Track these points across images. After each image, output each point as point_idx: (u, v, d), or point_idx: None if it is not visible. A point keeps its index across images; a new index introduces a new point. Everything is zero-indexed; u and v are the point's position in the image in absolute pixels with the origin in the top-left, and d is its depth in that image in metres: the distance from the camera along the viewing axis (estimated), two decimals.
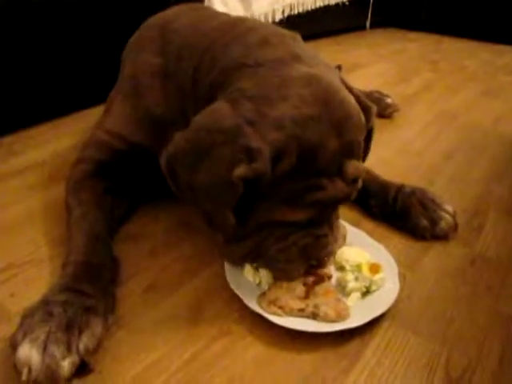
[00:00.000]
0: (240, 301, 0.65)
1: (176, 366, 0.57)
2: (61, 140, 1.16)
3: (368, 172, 0.91)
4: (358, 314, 0.63)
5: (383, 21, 2.87)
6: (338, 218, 0.69)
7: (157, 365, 0.57)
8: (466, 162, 1.15)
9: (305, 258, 0.64)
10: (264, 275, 0.67)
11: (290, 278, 0.66)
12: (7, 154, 1.09)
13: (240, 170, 0.52)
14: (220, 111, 0.56)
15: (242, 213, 0.58)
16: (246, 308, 0.64)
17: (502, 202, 0.97)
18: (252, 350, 0.60)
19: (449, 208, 0.83)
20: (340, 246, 0.74)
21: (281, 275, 0.66)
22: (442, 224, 0.82)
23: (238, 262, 0.69)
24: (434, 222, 0.82)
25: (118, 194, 0.82)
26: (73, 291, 0.59)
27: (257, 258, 0.65)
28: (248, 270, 0.69)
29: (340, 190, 0.58)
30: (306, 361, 0.59)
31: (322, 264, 0.66)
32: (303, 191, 0.57)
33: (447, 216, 0.82)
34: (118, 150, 0.80)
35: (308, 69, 0.60)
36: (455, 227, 0.83)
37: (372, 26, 2.81)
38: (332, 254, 0.67)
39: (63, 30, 1.20)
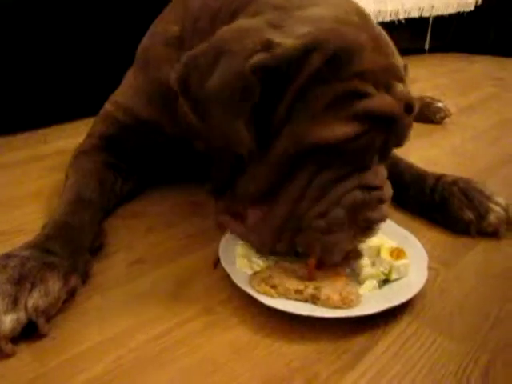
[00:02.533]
0: (232, 281, 0.55)
1: (141, 340, 0.48)
2: None
3: (402, 160, 0.80)
4: (371, 303, 0.51)
5: (444, 46, 2.74)
6: (386, 175, 0.54)
7: (121, 337, 0.49)
8: None
9: (353, 223, 0.51)
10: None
11: (334, 259, 0.53)
12: (38, 142, 1.13)
13: (255, 59, 0.44)
14: (240, 22, 0.50)
15: (264, 139, 0.48)
16: (237, 289, 0.54)
17: None
18: (233, 333, 0.49)
19: (500, 200, 0.70)
20: None
21: (325, 256, 0.52)
22: (491, 217, 0.68)
23: (269, 242, 0.54)
24: (480, 214, 0.69)
25: (123, 170, 0.77)
26: (39, 248, 0.53)
27: (294, 234, 0.52)
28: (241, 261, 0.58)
29: (389, 105, 0.48)
30: (295, 352, 0.47)
31: (371, 233, 0.53)
32: (343, 96, 0.47)
33: (498, 208, 0.69)
34: (124, 124, 0.76)
35: None
36: (508, 223, 0.69)
37: (432, 51, 2.68)
38: (385, 218, 0.53)
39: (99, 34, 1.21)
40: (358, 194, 0.51)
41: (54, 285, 0.49)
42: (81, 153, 0.77)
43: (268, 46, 0.45)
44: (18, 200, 0.81)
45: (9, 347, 0.45)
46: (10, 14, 1.06)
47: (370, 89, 0.47)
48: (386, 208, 0.53)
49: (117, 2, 1.22)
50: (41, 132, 1.18)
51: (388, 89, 0.49)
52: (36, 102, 1.19)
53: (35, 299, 0.47)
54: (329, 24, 0.47)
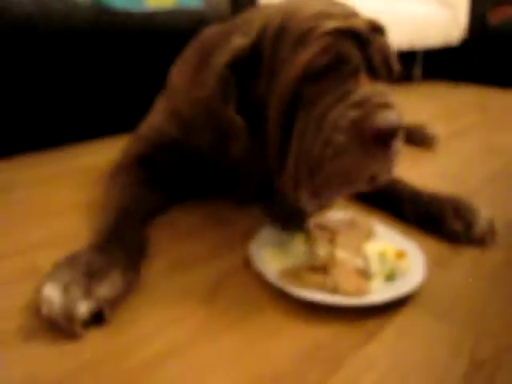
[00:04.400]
0: (260, 279, 0.65)
1: (190, 326, 0.58)
2: (117, 151, 1.25)
3: (400, 180, 0.91)
4: (380, 294, 0.61)
5: (432, 74, 2.91)
6: (385, 90, 0.57)
7: (171, 324, 0.58)
8: (509, 185, 1.12)
9: (360, 140, 0.52)
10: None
11: (354, 181, 0.55)
12: (65, 159, 1.22)
13: (225, 57, 0.61)
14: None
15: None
16: (265, 285, 0.64)
17: None
18: (267, 320, 0.59)
19: (484, 213, 0.81)
20: (367, 240, 0.74)
21: (345, 182, 0.56)
22: (478, 228, 0.79)
23: (297, 193, 0.60)
24: (468, 225, 0.80)
25: (155, 186, 0.87)
26: (100, 249, 0.62)
27: (311, 173, 0.56)
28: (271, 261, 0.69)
29: (348, 22, 0.57)
30: (320, 332, 0.57)
31: (385, 142, 0.52)
32: (305, 33, 0.58)
33: (482, 220, 0.80)
34: (157, 143, 0.87)
35: None
36: (492, 233, 0.80)
37: (421, 79, 2.85)
38: (397, 124, 0.52)
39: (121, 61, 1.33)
40: (352, 112, 0.53)
41: (118, 280, 0.59)
42: (118, 169, 0.87)
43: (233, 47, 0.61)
44: (59, 212, 0.90)
45: (80, 330, 0.54)
46: (39, 38, 1.16)
47: (327, 20, 0.58)
48: (394, 112, 0.52)
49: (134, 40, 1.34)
50: (66, 150, 1.28)
51: (345, 19, 0.58)
52: (62, 121, 1.29)
53: (104, 291, 0.56)
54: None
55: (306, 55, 0.56)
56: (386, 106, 0.53)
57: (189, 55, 0.90)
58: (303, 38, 0.58)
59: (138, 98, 1.36)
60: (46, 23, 1.09)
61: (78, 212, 0.89)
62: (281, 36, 0.60)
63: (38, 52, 1.13)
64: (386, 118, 0.52)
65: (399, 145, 0.56)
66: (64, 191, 1.00)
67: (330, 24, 0.57)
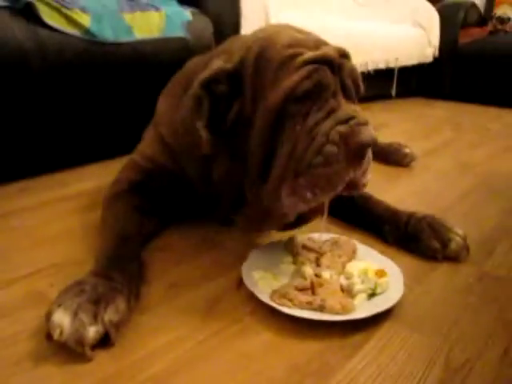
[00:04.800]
0: (254, 298, 0.71)
1: (190, 344, 0.63)
2: (105, 177, 1.29)
3: (381, 202, 0.98)
4: (363, 310, 0.67)
5: (408, 91, 3.03)
6: (358, 110, 0.67)
7: (173, 343, 0.63)
8: (481, 201, 1.20)
9: (346, 151, 0.62)
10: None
11: (335, 186, 0.64)
12: (58, 185, 1.25)
13: (201, 77, 0.68)
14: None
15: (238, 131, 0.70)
16: (259, 304, 0.70)
17: None
18: (262, 336, 0.65)
19: (459, 231, 0.88)
20: (349, 260, 0.80)
21: (326, 187, 0.64)
22: (453, 245, 0.86)
23: (278, 191, 0.67)
24: (444, 243, 0.86)
25: (147, 211, 0.92)
26: (103, 276, 0.67)
27: (297, 175, 0.65)
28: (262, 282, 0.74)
29: (322, 52, 0.67)
30: (310, 346, 0.63)
31: (364, 154, 0.63)
32: (284, 61, 0.67)
33: (457, 238, 0.86)
34: (148, 170, 0.92)
35: None
36: (466, 249, 0.87)
37: (398, 96, 2.97)
38: (374, 139, 0.63)
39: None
40: (341, 128, 0.63)
41: (122, 304, 0.63)
42: (113, 196, 0.92)
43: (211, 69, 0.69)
44: (54, 238, 0.93)
45: (90, 353, 0.59)
46: (34, 72, 1.20)
47: (303, 49, 0.67)
48: (371, 129, 0.63)
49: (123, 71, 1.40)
50: (58, 176, 1.31)
51: (317, 48, 0.68)
52: (53, 148, 1.32)
53: (110, 315, 0.61)
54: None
55: (289, 82, 0.65)
56: (366, 123, 0.64)
57: (172, 86, 0.96)
58: (284, 65, 0.67)
59: (127, 125, 1.42)
60: (40, 58, 1.13)
61: (74, 237, 0.93)
62: (261, 63, 0.68)
63: (31, 85, 1.17)
64: (369, 134, 0.63)
65: (370, 155, 0.68)
66: (58, 217, 1.04)
67: (308, 54, 0.66)
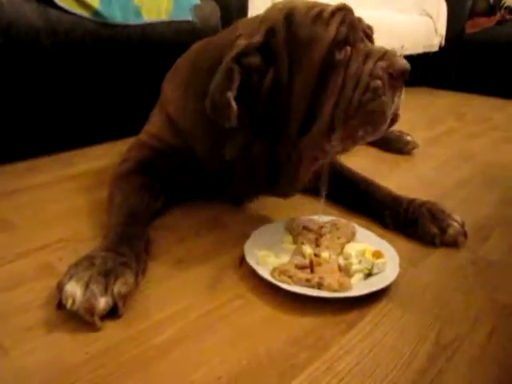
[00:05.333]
0: (255, 275, 0.74)
1: (194, 316, 0.66)
2: (111, 157, 1.32)
3: (382, 187, 1.01)
4: (359, 289, 0.70)
5: (413, 80, 3.02)
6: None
7: (177, 315, 0.66)
8: (479, 189, 1.22)
9: (389, 82, 0.70)
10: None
11: (385, 119, 0.71)
12: (64, 164, 1.28)
13: (233, 52, 0.71)
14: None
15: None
16: (260, 281, 0.73)
17: (509, 221, 1.03)
18: (261, 310, 0.68)
19: (457, 217, 0.90)
20: (348, 241, 0.83)
21: (378, 121, 0.71)
22: (451, 231, 0.88)
23: (323, 141, 0.74)
24: (443, 229, 0.89)
25: (155, 189, 0.95)
26: (112, 251, 0.70)
27: (347, 118, 0.71)
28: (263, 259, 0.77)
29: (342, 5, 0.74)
30: (308, 321, 0.66)
31: (404, 80, 0.72)
32: (316, 15, 0.73)
33: (455, 224, 0.89)
34: (156, 149, 0.95)
35: None
36: (464, 235, 0.89)
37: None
38: (408, 65, 0.71)
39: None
40: (381, 63, 0.70)
41: (130, 278, 0.66)
42: (120, 175, 0.94)
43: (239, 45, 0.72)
44: (63, 215, 0.97)
45: (99, 322, 0.62)
46: (44, 51, 1.22)
47: (325, 5, 0.74)
48: (402, 57, 0.72)
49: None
50: (65, 156, 1.34)
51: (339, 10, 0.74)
52: (60, 128, 1.34)
53: (119, 287, 0.64)
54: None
55: (330, 32, 0.71)
56: (396, 55, 0.72)
57: (179, 67, 0.99)
58: (316, 21, 0.72)
59: (134, 106, 1.44)
60: (51, 37, 1.15)
61: (81, 215, 0.96)
62: (291, 28, 0.73)
63: (41, 64, 1.19)
64: (403, 62, 0.71)
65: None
66: (65, 195, 1.07)
67: (332, 5, 0.73)
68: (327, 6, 0.74)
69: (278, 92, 0.74)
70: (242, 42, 0.73)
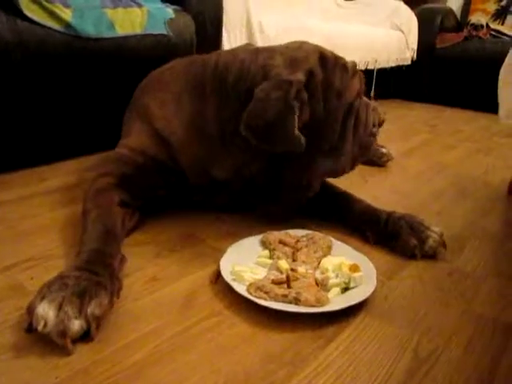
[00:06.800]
0: (231, 291, 0.72)
1: (169, 335, 0.64)
2: (84, 172, 1.30)
3: (361, 200, 1.02)
4: (337, 303, 0.70)
5: (387, 93, 3.08)
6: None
7: (152, 334, 0.64)
8: (453, 201, 1.24)
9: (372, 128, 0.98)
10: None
11: (372, 150, 1.01)
12: (36, 180, 1.24)
13: (293, 90, 0.80)
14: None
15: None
16: (236, 297, 0.72)
17: (484, 232, 1.05)
18: (238, 327, 0.67)
19: (436, 229, 0.91)
20: (325, 255, 0.83)
21: (369, 151, 1.01)
22: (430, 242, 0.89)
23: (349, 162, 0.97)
24: (422, 240, 0.89)
25: (133, 206, 0.93)
26: (86, 270, 0.67)
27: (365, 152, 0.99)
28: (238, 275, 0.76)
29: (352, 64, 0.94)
30: (285, 338, 0.65)
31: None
32: (343, 68, 0.90)
33: (434, 235, 0.90)
34: (139, 164, 0.94)
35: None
36: (443, 245, 0.90)
37: (377, 98, 3.02)
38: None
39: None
40: (374, 115, 0.99)
41: (105, 299, 0.64)
42: (98, 190, 0.90)
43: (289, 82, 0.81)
44: (34, 232, 0.93)
45: (71, 346, 0.59)
46: (14, 64, 1.18)
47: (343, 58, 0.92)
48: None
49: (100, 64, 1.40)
50: (36, 171, 1.30)
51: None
52: (31, 142, 1.31)
53: (93, 309, 0.61)
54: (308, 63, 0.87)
55: (356, 85, 0.92)
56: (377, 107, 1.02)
57: (166, 82, 0.98)
58: (344, 73, 0.89)
59: (106, 120, 1.42)
60: (20, 50, 1.12)
61: (52, 232, 0.93)
62: (326, 73, 0.87)
63: (11, 78, 1.16)
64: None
65: None
66: (36, 211, 1.04)
67: (351, 63, 0.92)
68: (345, 60, 0.91)
69: (312, 124, 0.85)
70: (297, 79, 0.81)
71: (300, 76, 0.82)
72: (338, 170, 0.96)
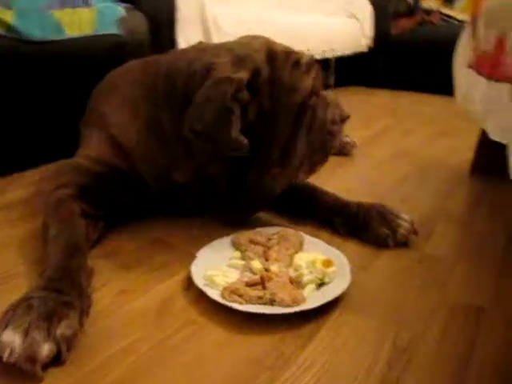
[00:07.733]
0: (205, 297, 0.70)
1: (145, 349, 0.62)
2: (41, 182, 1.24)
3: (327, 192, 1.01)
4: (313, 301, 0.69)
5: (346, 80, 3.11)
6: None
7: (126, 350, 0.62)
8: (418, 186, 1.26)
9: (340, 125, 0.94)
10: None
11: (332, 150, 0.95)
12: None
13: (231, 89, 0.75)
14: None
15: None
16: (210, 303, 0.70)
17: (449, 214, 1.06)
18: (214, 334, 0.65)
19: (406, 216, 0.92)
20: (297, 252, 0.82)
21: (329, 153, 0.95)
22: (402, 230, 0.90)
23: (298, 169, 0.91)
24: (393, 229, 0.90)
25: (95, 216, 0.89)
26: (51, 290, 0.64)
27: (313, 152, 0.91)
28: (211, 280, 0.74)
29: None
30: (264, 340, 0.64)
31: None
32: (293, 63, 0.85)
33: (405, 223, 0.90)
34: (98, 174, 0.90)
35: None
36: (414, 232, 0.91)
37: (336, 86, 3.04)
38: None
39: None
40: (335, 111, 0.93)
41: (74, 319, 0.61)
42: (56, 202, 0.85)
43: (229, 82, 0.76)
44: None
45: (41, 372, 0.55)
46: None
47: (297, 54, 0.86)
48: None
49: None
50: None
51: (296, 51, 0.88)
52: None
53: (63, 330, 0.58)
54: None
55: (307, 83, 0.85)
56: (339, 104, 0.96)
57: (119, 85, 0.95)
58: (294, 69, 0.84)
59: (61, 125, 1.36)
60: None
61: (11, 249, 0.88)
62: (273, 70, 0.82)
63: None
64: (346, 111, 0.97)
65: None
66: None
67: (305, 58, 0.86)
68: (300, 54, 0.86)
69: (259, 123, 0.82)
70: (238, 77, 0.76)
71: (243, 74, 0.77)
72: (292, 172, 0.89)
